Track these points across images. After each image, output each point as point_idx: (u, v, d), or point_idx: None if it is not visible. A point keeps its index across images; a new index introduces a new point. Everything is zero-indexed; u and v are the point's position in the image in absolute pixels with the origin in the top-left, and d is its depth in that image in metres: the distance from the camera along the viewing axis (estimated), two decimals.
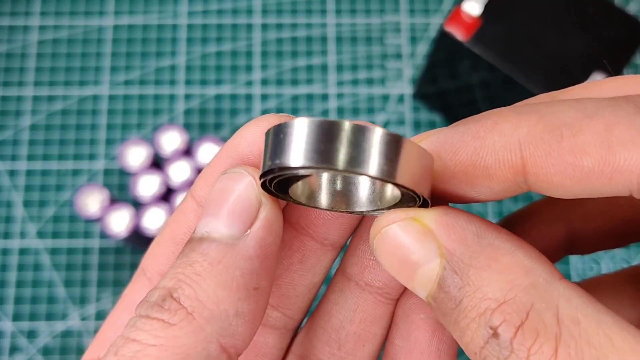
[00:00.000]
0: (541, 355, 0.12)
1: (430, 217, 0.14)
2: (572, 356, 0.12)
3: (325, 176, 0.16)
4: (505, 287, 0.13)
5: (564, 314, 0.12)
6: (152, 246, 0.19)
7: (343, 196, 0.16)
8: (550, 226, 0.21)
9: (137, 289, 0.19)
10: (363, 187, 0.16)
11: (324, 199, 0.16)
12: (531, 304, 0.12)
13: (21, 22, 0.49)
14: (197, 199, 0.18)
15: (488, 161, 0.15)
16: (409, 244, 0.14)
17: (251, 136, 0.16)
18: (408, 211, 0.14)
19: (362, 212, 0.16)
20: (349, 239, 0.19)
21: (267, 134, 0.14)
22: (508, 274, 0.13)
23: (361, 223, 0.18)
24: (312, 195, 0.16)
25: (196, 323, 0.14)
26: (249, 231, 0.15)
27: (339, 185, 0.16)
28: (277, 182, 0.15)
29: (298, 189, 0.16)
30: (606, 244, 0.22)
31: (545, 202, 0.22)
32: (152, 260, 0.19)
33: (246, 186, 0.15)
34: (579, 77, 0.37)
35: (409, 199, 0.15)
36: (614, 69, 0.37)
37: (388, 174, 0.13)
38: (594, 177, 0.13)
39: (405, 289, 0.18)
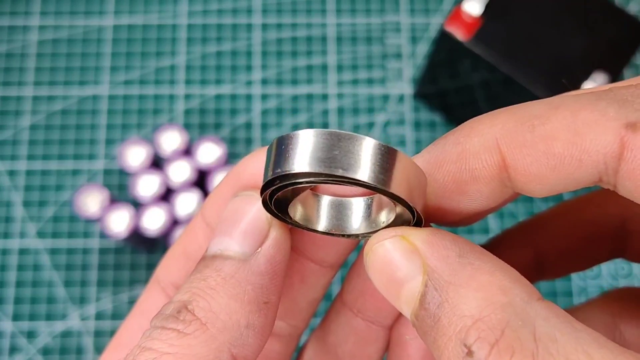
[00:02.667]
0: None
1: (417, 235, 0.14)
2: None
3: (323, 200, 0.17)
4: (481, 304, 0.13)
5: (541, 332, 0.12)
6: (165, 259, 0.20)
7: (339, 220, 0.17)
8: (518, 253, 0.22)
9: (151, 296, 0.20)
10: (358, 211, 0.17)
11: (321, 223, 0.17)
12: (507, 321, 0.12)
13: (21, 22, 0.49)
14: (206, 218, 0.19)
15: (472, 163, 0.15)
16: (396, 260, 0.14)
17: (258, 162, 0.17)
18: (398, 229, 0.15)
19: (357, 235, 0.17)
20: (352, 255, 0.19)
21: (269, 147, 0.14)
22: (485, 292, 0.13)
23: (358, 257, 0.19)
24: (310, 219, 0.17)
25: (209, 333, 0.15)
26: (260, 249, 0.16)
27: (335, 209, 0.17)
28: (277, 202, 0.16)
29: (297, 213, 0.17)
30: (573, 266, 0.23)
31: (512, 230, 0.23)
32: (165, 271, 0.20)
33: (258, 208, 0.16)
34: (579, 77, 0.37)
35: (402, 221, 0.15)
36: (614, 69, 0.37)
37: (383, 183, 0.13)
38: (566, 162, 0.14)
39: (397, 316, 0.20)
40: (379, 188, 0.13)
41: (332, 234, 0.17)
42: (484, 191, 0.15)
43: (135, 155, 0.39)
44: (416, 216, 0.15)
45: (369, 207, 0.17)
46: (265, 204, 0.16)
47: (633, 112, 0.13)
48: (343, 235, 0.17)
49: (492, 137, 0.15)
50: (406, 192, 0.14)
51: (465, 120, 0.16)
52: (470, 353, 0.12)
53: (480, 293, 0.13)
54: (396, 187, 0.13)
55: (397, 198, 0.14)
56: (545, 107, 0.14)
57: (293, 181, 0.14)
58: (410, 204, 0.14)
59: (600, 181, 0.14)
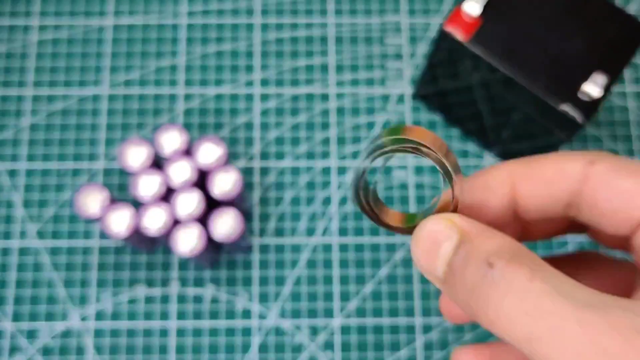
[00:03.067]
0: (521, 276, 0.17)
1: (456, 216, 0.20)
2: (546, 282, 0.17)
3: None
4: (499, 245, 0.19)
5: (539, 262, 0.18)
6: None
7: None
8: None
9: None
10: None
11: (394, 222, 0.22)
12: (518, 250, 0.19)
13: (21, 22, 0.49)
14: None
15: (492, 184, 0.22)
16: (439, 229, 0.20)
17: None
18: (442, 214, 0.21)
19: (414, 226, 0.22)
20: None
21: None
22: (501, 241, 0.19)
23: None
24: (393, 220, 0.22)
25: None
26: None
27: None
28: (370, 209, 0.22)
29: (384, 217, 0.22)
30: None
31: None
32: None
33: None
34: (579, 77, 0.37)
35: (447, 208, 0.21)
36: (614, 69, 0.37)
37: (448, 162, 0.20)
38: (554, 185, 0.21)
39: None
40: (444, 163, 0.20)
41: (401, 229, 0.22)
42: (499, 205, 0.22)
43: (135, 155, 0.39)
44: (453, 202, 0.20)
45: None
46: (362, 208, 0.21)
47: (594, 155, 0.21)
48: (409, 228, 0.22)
49: (506, 170, 0.22)
50: (454, 171, 0.20)
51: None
52: (491, 265, 0.18)
53: (498, 242, 0.19)
54: (451, 166, 0.20)
55: (448, 173, 0.20)
56: (541, 156, 0.22)
57: (394, 147, 0.20)
58: (455, 179, 0.20)
59: (569, 206, 0.21)
